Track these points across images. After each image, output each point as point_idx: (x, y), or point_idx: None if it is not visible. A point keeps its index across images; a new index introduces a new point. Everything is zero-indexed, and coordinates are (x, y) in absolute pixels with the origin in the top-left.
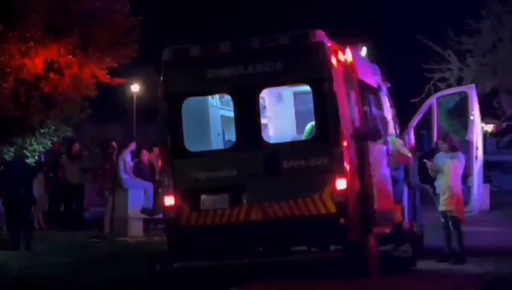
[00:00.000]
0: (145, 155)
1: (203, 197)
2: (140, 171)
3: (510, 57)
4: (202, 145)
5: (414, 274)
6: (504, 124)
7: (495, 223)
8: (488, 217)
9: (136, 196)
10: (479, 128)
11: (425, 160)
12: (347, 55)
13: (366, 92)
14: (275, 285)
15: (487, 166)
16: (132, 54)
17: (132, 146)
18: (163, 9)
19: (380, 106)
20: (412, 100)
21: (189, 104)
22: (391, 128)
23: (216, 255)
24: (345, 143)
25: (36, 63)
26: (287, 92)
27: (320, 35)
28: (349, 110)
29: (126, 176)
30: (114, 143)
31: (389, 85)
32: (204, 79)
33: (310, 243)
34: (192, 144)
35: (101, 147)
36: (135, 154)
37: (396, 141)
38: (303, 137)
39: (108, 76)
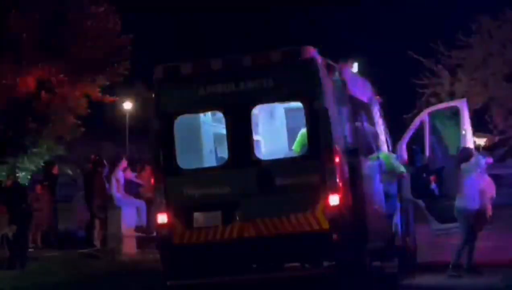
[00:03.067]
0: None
1: (196, 214)
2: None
3: (501, 71)
4: (195, 163)
5: (407, 289)
6: (497, 138)
7: (488, 237)
8: (482, 232)
9: (129, 214)
10: (471, 142)
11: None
12: (338, 71)
13: (357, 108)
14: None
15: None
16: (124, 72)
17: (124, 163)
18: (154, 27)
19: (371, 122)
20: (404, 116)
21: (181, 121)
22: (383, 143)
23: (210, 273)
24: (337, 159)
25: (28, 82)
26: (279, 108)
27: (312, 51)
28: (341, 126)
29: (118, 194)
30: (105, 161)
31: (380, 100)
32: (196, 96)
33: (303, 259)
34: (184, 162)
35: (92, 165)
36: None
37: (388, 156)
38: (295, 144)
39: (100, 94)
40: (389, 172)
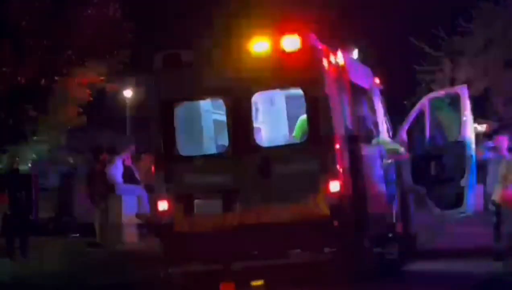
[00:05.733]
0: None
1: (196, 201)
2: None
3: (502, 57)
4: (195, 150)
5: (408, 275)
6: (497, 125)
7: (489, 224)
8: (482, 218)
9: (130, 202)
10: (471, 128)
11: None
12: (338, 58)
13: (358, 95)
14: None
15: (480, 166)
16: (124, 59)
17: (129, 151)
18: (155, 14)
19: (372, 108)
20: (404, 102)
21: (182, 109)
22: (384, 130)
23: (210, 260)
24: (337, 146)
25: (28, 70)
26: (279, 95)
27: (312, 38)
28: (341, 113)
29: (120, 182)
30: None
31: (381, 87)
32: (196, 83)
33: (304, 246)
34: (185, 149)
35: (92, 153)
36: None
37: (384, 141)
38: (295, 130)
39: (100, 82)
40: (389, 157)
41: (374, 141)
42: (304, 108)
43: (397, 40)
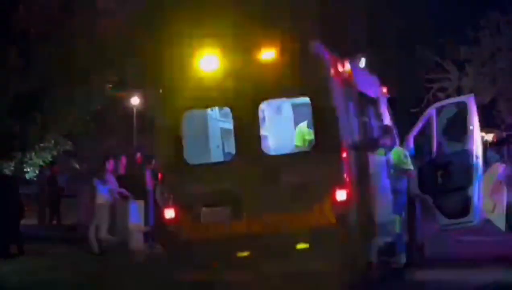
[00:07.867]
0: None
1: (203, 209)
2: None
3: (509, 66)
4: (202, 158)
5: (415, 285)
6: (504, 134)
7: (496, 233)
8: (489, 227)
9: (137, 209)
10: (478, 137)
11: None
12: (346, 67)
13: (365, 103)
14: None
15: None
16: (132, 67)
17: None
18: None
19: (379, 117)
20: (411, 110)
21: (189, 116)
22: (390, 138)
23: (217, 268)
24: (344, 154)
25: (35, 76)
26: (286, 104)
27: (319, 46)
28: (348, 121)
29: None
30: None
31: (388, 95)
32: (203, 92)
33: (310, 254)
34: (191, 157)
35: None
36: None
37: (399, 152)
38: (296, 139)
39: (108, 89)
40: (396, 167)
41: (383, 150)
42: (311, 117)
43: (405, 49)
